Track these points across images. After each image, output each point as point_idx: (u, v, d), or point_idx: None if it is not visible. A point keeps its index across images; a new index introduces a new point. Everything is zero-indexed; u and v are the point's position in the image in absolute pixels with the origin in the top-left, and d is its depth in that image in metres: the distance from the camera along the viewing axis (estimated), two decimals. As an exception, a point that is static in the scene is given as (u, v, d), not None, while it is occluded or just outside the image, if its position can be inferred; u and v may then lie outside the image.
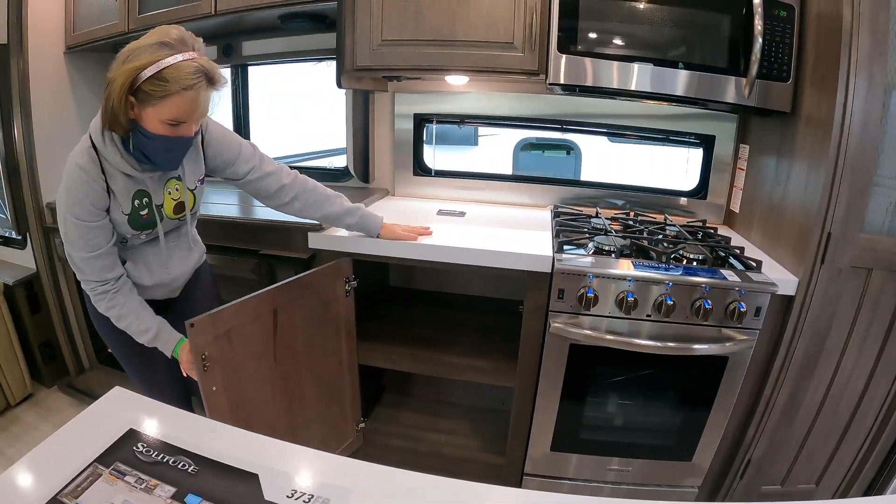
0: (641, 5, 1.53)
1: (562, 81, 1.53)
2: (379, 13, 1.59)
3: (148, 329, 1.20)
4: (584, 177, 2.18)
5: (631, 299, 1.40)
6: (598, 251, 1.51)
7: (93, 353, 2.27)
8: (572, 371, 1.49)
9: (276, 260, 1.59)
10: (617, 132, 2.05)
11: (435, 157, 2.08)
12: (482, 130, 2.24)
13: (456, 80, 1.83)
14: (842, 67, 1.38)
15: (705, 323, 1.44)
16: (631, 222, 1.83)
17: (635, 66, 1.54)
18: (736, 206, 1.96)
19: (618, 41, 1.54)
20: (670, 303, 1.41)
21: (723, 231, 1.92)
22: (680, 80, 1.55)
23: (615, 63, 1.54)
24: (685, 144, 2.04)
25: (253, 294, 1.21)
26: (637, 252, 1.54)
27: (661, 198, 2.06)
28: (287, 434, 1.26)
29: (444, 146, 2.17)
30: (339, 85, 1.63)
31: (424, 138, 2.06)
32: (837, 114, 1.40)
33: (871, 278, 1.54)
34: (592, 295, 1.40)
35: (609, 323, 1.45)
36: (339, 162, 2.07)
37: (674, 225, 1.82)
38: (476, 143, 2.42)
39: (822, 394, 1.63)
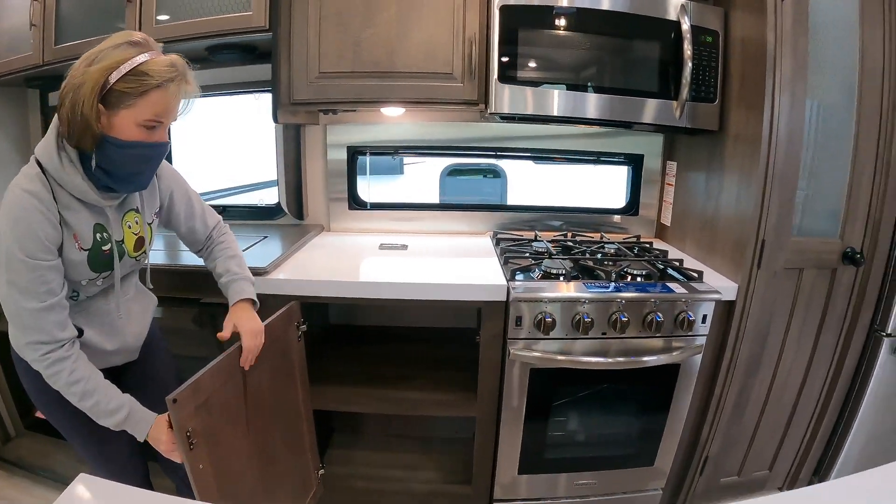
0: (579, 35, 1.57)
1: (504, 111, 1.54)
2: (316, 45, 1.54)
3: (119, 408, 0.99)
4: (511, 200, 2.22)
5: (587, 320, 1.43)
6: (547, 275, 1.53)
7: (18, 418, 2.07)
8: (534, 395, 1.51)
9: (220, 308, 1.50)
10: (549, 155, 2.10)
11: (370, 189, 2.03)
12: (408, 159, 2.23)
13: (392, 112, 1.80)
14: (767, 88, 1.47)
15: (658, 335, 1.50)
16: (570, 243, 1.87)
17: (574, 94, 1.57)
18: (667, 220, 2.05)
19: (557, 70, 1.57)
20: (624, 319, 1.45)
21: (657, 244, 2.00)
22: (618, 106, 1.60)
23: (556, 91, 1.56)
24: (614, 163, 2.11)
25: (224, 353, 1.10)
26: (584, 273, 1.58)
27: (595, 216, 2.13)
28: (266, 498, 1.21)
29: (371, 176, 2.14)
30: (276, 120, 1.57)
31: (358, 171, 2.01)
32: (765, 131, 1.49)
33: (802, 277, 1.65)
34: (550, 320, 1.42)
35: (568, 345, 1.47)
36: (271, 198, 1.97)
37: (612, 242, 1.89)
38: (402, 172, 2.42)
39: (766, 388, 1.73)
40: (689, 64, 1.57)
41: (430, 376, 1.66)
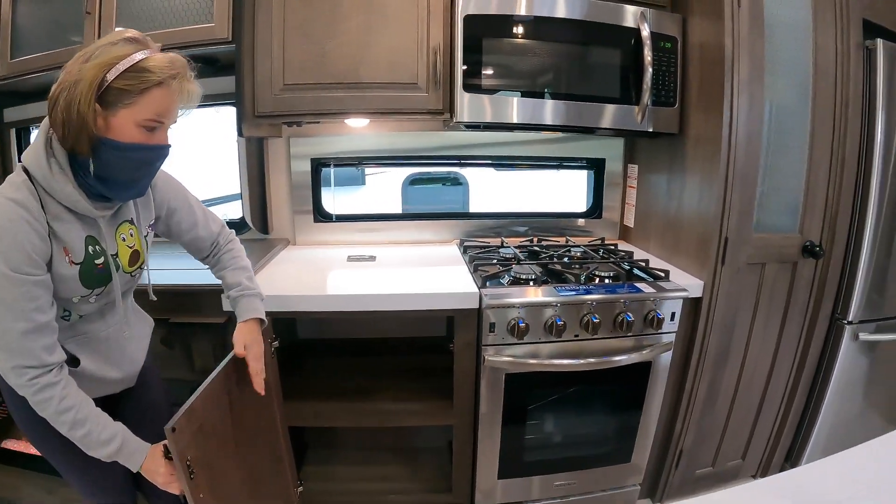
0: (542, 44, 1.59)
1: (469, 120, 1.55)
2: (280, 57, 1.53)
3: (111, 438, 0.93)
4: (474, 207, 2.22)
5: (560, 323, 1.45)
6: (517, 281, 1.54)
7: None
8: (510, 399, 1.52)
9: (189, 328, 1.48)
10: (511, 162, 2.12)
11: (334, 200, 2.02)
12: (369, 169, 2.22)
13: (357, 123, 1.79)
14: (726, 90, 1.51)
15: (629, 334, 1.53)
16: (537, 248, 1.90)
17: (539, 102, 1.60)
18: (630, 222, 2.10)
19: (521, 78, 1.58)
20: (596, 320, 1.47)
21: (622, 246, 2.05)
22: (581, 112, 1.63)
23: (520, 99, 1.58)
24: (576, 168, 2.15)
25: (211, 376, 1.06)
26: (554, 277, 1.60)
27: (559, 221, 2.16)
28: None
29: (333, 187, 2.14)
30: (241, 133, 1.55)
31: (322, 183, 1.98)
32: (725, 132, 1.53)
33: (765, 271, 1.70)
34: (524, 325, 1.44)
35: (541, 348, 1.49)
36: (235, 212, 1.92)
37: (577, 246, 1.93)
38: (364, 183, 2.40)
39: (735, 379, 1.78)
40: (650, 69, 1.60)
41: (403, 386, 1.66)
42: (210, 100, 1.68)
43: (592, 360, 1.50)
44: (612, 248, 1.95)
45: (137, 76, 0.83)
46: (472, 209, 2.23)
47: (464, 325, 1.47)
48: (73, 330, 0.98)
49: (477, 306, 1.45)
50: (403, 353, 1.86)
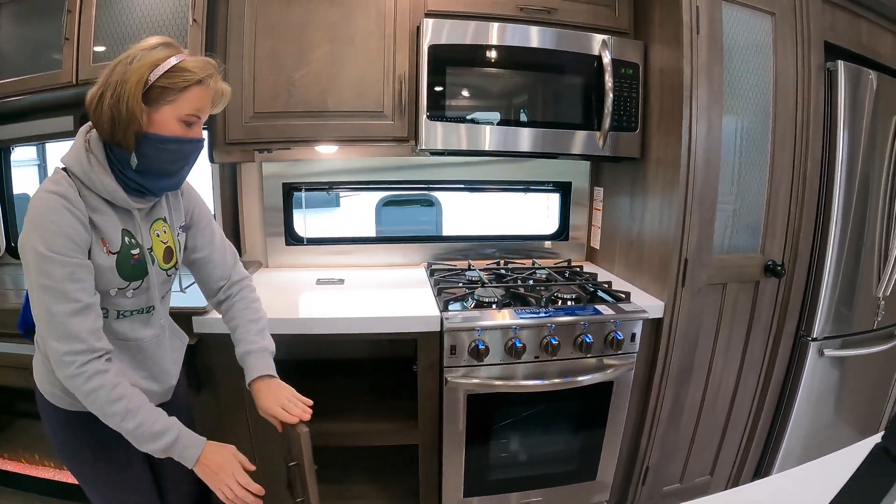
0: (506, 72, 1.63)
1: (433, 147, 1.59)
2: (251, 85, 1.57)
3: (165, 430, 0.93)
4: (447, 228, 2.26)
5: (519, 345, 1.49)
6: (480, 304, 1.58)
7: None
8: (473, 419, 1.55)
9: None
10: (480, 186, 2.16)
11: (306, 224, 2.05)
12: (343, 191, 2.25)
13: (326, 149, 1.83)
14: (685, 115, 1.55)
15: (589, 355, 1.56)
16: (503, 271, 1.93)
17: (502, 129, 1.64)
18: (596, 244, 2.14)
19: (485, 106, 1.63)
20: (555, 342, 1.51)
21: (588, 267, 2.09)
22: (543, 138, 1.67)
23: (484, 126, 1.62)
24: (544, 191, 2.19)
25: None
26: (516, 300, 1.64)
27: (526, 243, 2.20)
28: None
29: (307, 210, 2.18)
30: (212, 160, 1.59)
31: (294, 207, 2.02)
32: (683, 156, 1.57)
33: (726, 291, 1.73)
34: (483, 347, 1.47)
35: (502, 370, 1.52)
36: None
37: (543, 268, 1.96)
38: (338, 205, 2.44)
39: (699, 397, 1.81)
40: (611, 95, 1.64)
41: (371, 407, 1.69)
42: None
43: (553, 380, 1.54)
44: (578, 269, 1.98)
45: (179, 75, 0.91)
46: (445, 230, 2.27)
47: (426, 347, 1.51)
48: (113, 333, 0.99)
49: (438, 329, 1.49)
50: (371, 374, 1.88)
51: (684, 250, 1.63)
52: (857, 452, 0.86)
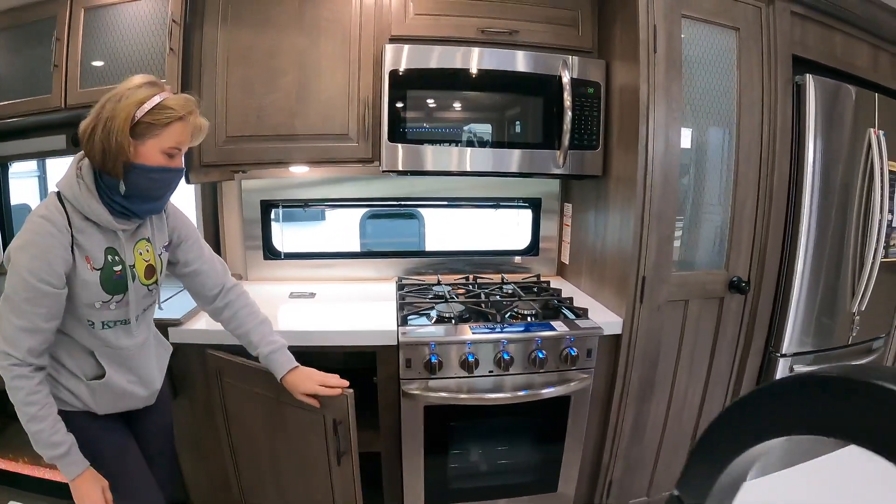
0: (467, 94, 1.69)
1: (394, 168, 1.66)
2: (223, 111, 1.67)
3: (59, 443, 1.05)
4: (428, 242, 2.30)
5: (472, 360, 1.54)
6: (440, 319, 1.64)
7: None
8: (431, 430, 1.61)
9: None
10: (451, 204, 2.22)
11: (283, 238, 2.12)
12: (318, 207, 2.33)
13: (298, 169, 1.91)
14: (641, 132, 1.57)
15: (543, 370, 1.60)
16: (470, 286, 1.98)
17: (463, 150, 1.69)
18: (566, 259, 2.17)
19: (445, 128, 1.68)
20: (507, 358, 1.55)
21: (556, 282, 2.11)
22: (504, 158, 1.71)
23: (443, 147, 1.68)
24: (515, 207, 2.23)
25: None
26: (475, 315, 1.68)
27: (498, 258, 2.24)
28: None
29: (293, 223, 2.25)
30: (188, 181, 1.69)
31: (273, 222, 2.11)
32: (640, 173, 1.59)
33: (688, 308, 1.74)
34: (437, 361, 1.53)
35: (457, 383, 1.57)
36: None
37: (509, 283, 2.00)
38: (323, 218, 2.51)
39: (663, 412, 1.82)
40: (569, 114, 1.67)
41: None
42: None
43: (508, 394, 1.58)
44: (545, 285, 2.01)
45: (162, 112, 1.02)
46: (428, 244, 2.32)
47: (385, 360, 1.57)
48: (100, 340, 1.11)
49: (395, 343, 1.55)
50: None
51: (642, 267, 1.65)
52: (826, 464, 0.90)
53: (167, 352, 1.35)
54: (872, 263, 1.83)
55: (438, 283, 1.99)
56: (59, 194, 1.04)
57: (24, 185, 2.15)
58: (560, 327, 1.60)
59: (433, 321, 1.64)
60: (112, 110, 1.00)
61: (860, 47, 1.88)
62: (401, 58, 1.62)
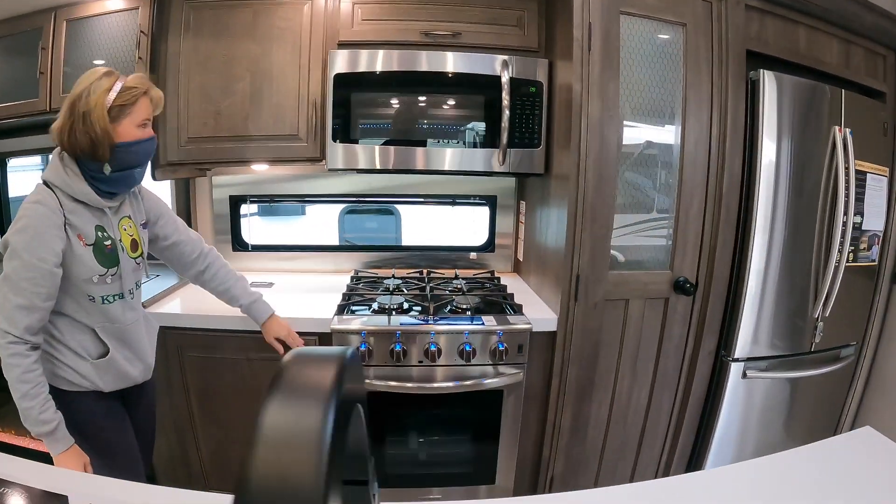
0: (409, 95, 1.75)
1: (336, 166, 1.76)
2: (185, 114, 1.82)
3: (48, 421, 1.12)
4: (397, 238, 2.38)
5: (399, 349, 1.61)
6: (379, 310, 1.71)
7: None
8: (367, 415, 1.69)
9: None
10: (410, 200, 2.29)
11: (251, 231, 2.25)
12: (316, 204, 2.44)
13: (259, 167, 2.04)
14: (574, 130, 1.59)
15: (471, 364, 1.64)
16: (421, 280, 2.03)
17: (404, 149, 1.76)
18: (521, 255, 2.17)
19: (389, 127, 1.76)
20: (434, 349, 1.61)
21: (509, 279, 2.13)
22: (445, 156, 1.78)
23: (386, 147, 1.76)
24: (472, 204, 2.26)
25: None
26: (413, 308, 1.74)
27: (454, 254, 2.29)
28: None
29: (273, 217, 2.38)
30: (154, 178, 1.83)
31: (251, 216, 2.25)
32: (572, 172, 1.60)
33: (629, 308, 1.73)
34: (366, 349, 1.61)
35: (388, 371, 1.65)
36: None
37: (460, 278, 2.05)
38: (303, 213, 2.63)
39: (606, 411, 1.81)
40: (507, 113, 1.71)
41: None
42: None
43: (436, 385, 1.64)
44: (494, 281, 2.05)
45: (128, 93, 1.14)
46: (399, 239, 2.40)
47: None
48: (104, 315, 1.22)
49: (328, 331, 1.64)
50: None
51: (576, 267, 1.65)
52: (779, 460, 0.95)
53: (155, 329, 1.45)
54: (836, 267, 1.74)
55: (392, 277, 2.07)
56: (46, 182, 1.14)
57: (28, 178, 2.40)
58: (489, 322, 1.64)
59: (371, 312, 1.72)
60: (86, 105, 1.11)
61: (828, 42, 1.79)
62: (345, 62, 1.71)
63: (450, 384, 1.64)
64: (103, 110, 1.11)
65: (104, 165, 1.15)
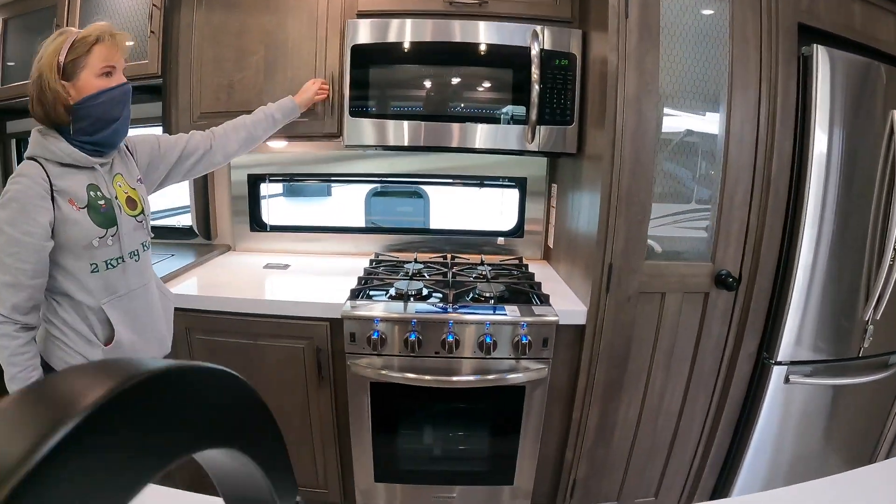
0: (431, 68, 1.64)
1: (355, 143, 1.66)
2: (198, 88, 1.75)
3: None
4: (432, 220, 2.26)
5: (413, 339, 1.51)
6: (397, 296, 1.61)
7: None
8: (378, 407, 1.60)
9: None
10: (434, 181, 2.16)
11: (275, 212, 2.18)
12: (340, 183, 2.36)
13: (276, 144, 1.97)
14: (608, 107, 1.46)
15: (492, 356, 1.53)
16: (443, 266, 1.92)
17: (426, 125, 1.65)
18: (551, 242, 2.04)
19: (409, 102, 1.64)
20: (451, 340, 1.50)
21: (539, 266, 2.01)
22: (467, 133, 1.65)
23: (405, 123, 1.65)
24: (499, 186, 2.13)
25: None
26: (434, 294, 1.64)
27: (480, 239, 2.16)
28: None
29: (299, 198, 2.30)
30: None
31: (279, 197, 2.20)
32: (606, 150, 1.48)
33: (665, 302, 1.59)
34: (378, 337, 1.51)
35: (400, 361, 1.55)
36: (187, 220, 2.19)
37: (485, 264, 1.93)
38: (329, 194, 2.54)
39: (636, 413, 1.69)
40: (537, 88, 1.58)
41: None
42: (152, 122, 1.95)
43: (454, 378, 1.53)
44: (522, 268, 1.93)
45: (80, 45, 1.06)
46: (432, 223, 2.29)
47: (335, 332, 1.58)
48: (107, 288, 1.15)
49: (339, 316, 1.55)
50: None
51: (608, 255, 1.53)
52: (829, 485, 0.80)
53: (171, 303, 1.39)
54: (892, 266, 1.58)
55: (413, 262, 1.97)
56: (29, 157, 1.08)
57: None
58: (513, 313, 1.53)
59: (388, 298, 1.62)
60: (38, 69, 1.06)
61: (885, 18, 1.62)
62: (363, 33, 1.61)
63: (469, 378, 1.53)
64: (52, 71, 1.04)
65: (71, 126, 1.08)
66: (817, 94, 1.50)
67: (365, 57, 1.63)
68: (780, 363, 1.62)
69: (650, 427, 1.71)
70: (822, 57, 1.49)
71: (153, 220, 2.26)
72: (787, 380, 1.63)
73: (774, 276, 1.60)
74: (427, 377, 1.53)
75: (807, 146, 1.52)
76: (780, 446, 1.71)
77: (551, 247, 2.05)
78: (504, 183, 2.13)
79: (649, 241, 1.56)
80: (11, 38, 1.93)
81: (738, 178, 1.55)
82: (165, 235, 2.13)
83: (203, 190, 2.09)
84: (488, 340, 1.50)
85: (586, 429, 1.66)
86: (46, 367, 1.16)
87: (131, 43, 1.17)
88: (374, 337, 1.51)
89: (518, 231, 2.15)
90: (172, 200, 2.22)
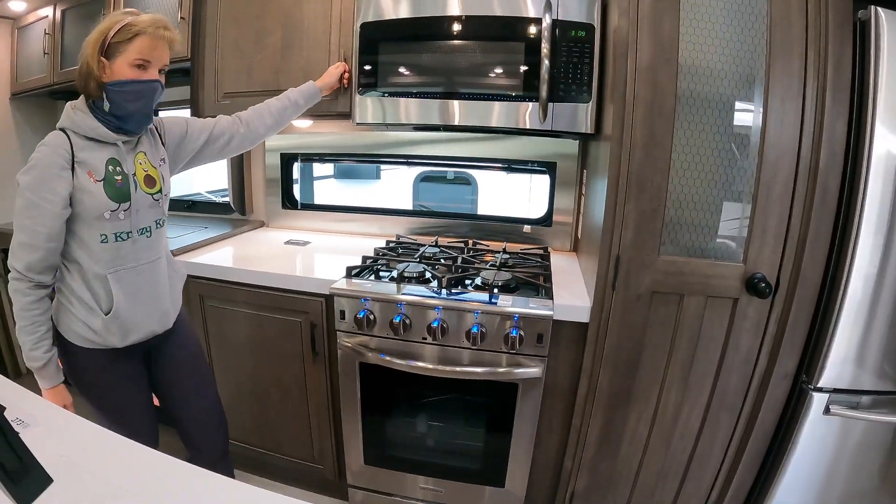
0: (441, 44, 1.57)
1: (364, 121, 1.65)
2: (222, 70, 1.84)
3: (39, 358, 1.17)
4: (480, 207, 2.21)
5: (398, 321, 1.46)
6: (398, 277, 1.58)
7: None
8: (368, 388, 1.57)
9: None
10: (461, 164, 2.09)
11: (299, 191, 2.25)
12: (385, 165, 2.39)
13: (301, 123, 2.01)
14: (618, 77, 1.33)
15: (481, 347, 1.45)
16: (461, 251, 1.86)
17: (433, 102, 1.59)
18: (580, 232, 1.88)
19: (419, 79, 1.60)
20: (437, 325, 1.44)
21: (567, 258, 1.88)
22: (479, 111, 1.57)
23: (413, 100, 1.60)
24: (527, 171, 2.01)
25: None
26: (434, 278, 1.58)
27: (507, 227, 2.06)
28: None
29: (349, 180, 2.36)
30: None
31: (295, 175, 2.27)
32: (616, 128, 1.34)
33: (683, 305, 1.41)
34: (364, 316, 1.48)
35: (388, 343, 1.51)
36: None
37: (504, 252, 1.84)
38: (378, 177, 2.58)
39: (646, 428, 1.51)
40: (546, 62, 1.47)
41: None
42: (182, 105, 2.08)
43: (440, 366, 1.47)
44: (541, 258, 1.82)
45: (127, 30, 1.12)
46: (481, 209, 2.25)
47: (330, 309, 1.58)
48: (115, 258, 1.18)
49: (328, 293, 1.54)
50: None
51: (615, 245, 1.38)
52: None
53: (181, 279, 1.42)
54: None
55: (432, 245, 1.93)
56: (58, 128, 1.15)
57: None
58: (504, 303, 1.43)
59: (388, 279, 1.59)
60: (86, 42, 1.14)
61: None
62: (371, 10, 1.59)
63: (456, 368, 1.46)
64: (94, 47, 1.11)
65: (104, 102, 1.14)
66: (881, 65, 1.24)
67: (374, 34, 1.60)
68: (820, 389, 1.37)
69: (662, 445, 1.52)
70: (887, 21, 1.23)
71: (205, 197, 2.41)
72: (827, 410, 1.38)
73: (821, 284, 1.36)
74: (414, 363, 1.48)
75: (863, 130, 1.27)
76: (816, 486, 1.45)
77: (580, 238, 1.91)
78: (534, 168, 2.01)
79: (666, 235, 1.38)
80: (69, 26, 2.14)
81: (777, 164, 1.33)
82: (206, 210, 2.27)
83: (238, 168, 2.20)
84: (475, 330, 1.42)
85: (587, 438, 1.52)
86: (56, 333, 1.23)
87: (178, 45, 1.21)
88: (361, 316, 1.48)
89: (546, 220, 2.03)
90: (212, 184, 2.37)
